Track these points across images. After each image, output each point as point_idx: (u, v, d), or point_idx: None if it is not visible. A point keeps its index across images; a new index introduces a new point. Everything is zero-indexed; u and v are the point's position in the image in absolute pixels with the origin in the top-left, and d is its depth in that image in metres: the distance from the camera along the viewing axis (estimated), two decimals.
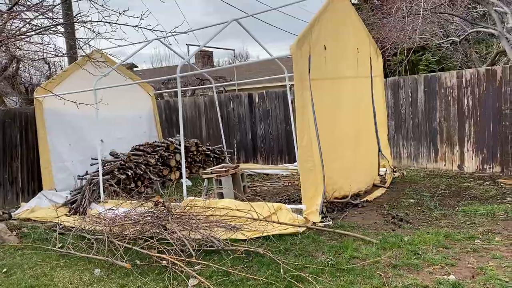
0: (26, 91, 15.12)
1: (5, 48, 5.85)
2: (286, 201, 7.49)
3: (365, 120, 8.31)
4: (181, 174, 10.34)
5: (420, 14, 8.70)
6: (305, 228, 5.71)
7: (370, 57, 8.36)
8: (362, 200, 7.12)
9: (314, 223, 5.92)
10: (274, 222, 5.69)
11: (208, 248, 5.28)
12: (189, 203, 6.89)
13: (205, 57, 26.40)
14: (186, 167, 10.68)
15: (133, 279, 4.79)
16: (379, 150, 8.66)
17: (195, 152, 10.62)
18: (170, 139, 10.47)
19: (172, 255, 5.08)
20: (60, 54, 7.59)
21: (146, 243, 5.62)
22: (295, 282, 4.24)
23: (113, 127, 10.39)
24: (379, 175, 8.63)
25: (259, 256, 4.97)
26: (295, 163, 10.50)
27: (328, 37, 6.93)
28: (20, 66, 15.44)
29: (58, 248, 5.96)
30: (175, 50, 10.94)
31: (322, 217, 6.08)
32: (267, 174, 10.40)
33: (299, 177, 9.89)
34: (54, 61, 15.52)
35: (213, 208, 6.41)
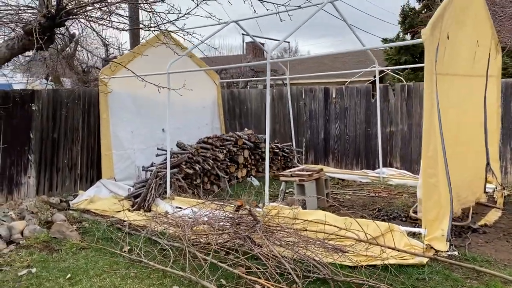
0: (82, 72, 14.69)
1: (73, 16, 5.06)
2: (384, 217, 6.36)
3: (474, 127, 7.01)
4: (247, 172, 9.43)
5: None
6: (428, 259, 4.58)
7: (489, 53, 7.04)
8: (480, 224, 5.89)
9: (436, 252, 4.78)
10: (389, 247, 4.59)
11: (310, 274, 4.27)
12: (272, 210, 5.92)
13: (256, 48, 25.36)
14: (253, 165, 9.75)
15: None
16: (488, 163, 7.34)
17: (263, 149, 9.64)
18: (238, 133, 9.54)
19: (268, 279, 4.12)
20: (127, 28, 6.79)
21: (230, 256, 4.72)
22: None
23: (173, 115, 9.56)
24: (485, 192, 7.32)
25: None
26: (377, 170, 9.31)
27: (451, 24, 5.72)
28: (78, 48, 15.03)
29: (127, 252, 5.15)
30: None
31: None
32: (343, 180, 9.28)
33: (384, 187, 8.82)
34: (111, 42, 14.95)
35: (304, 220, 5.40)
